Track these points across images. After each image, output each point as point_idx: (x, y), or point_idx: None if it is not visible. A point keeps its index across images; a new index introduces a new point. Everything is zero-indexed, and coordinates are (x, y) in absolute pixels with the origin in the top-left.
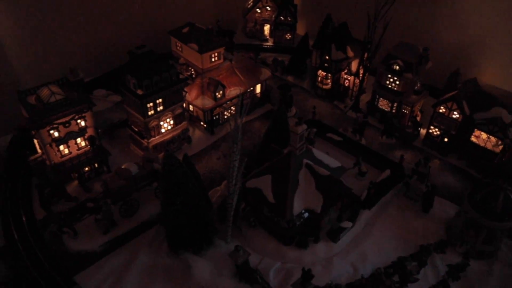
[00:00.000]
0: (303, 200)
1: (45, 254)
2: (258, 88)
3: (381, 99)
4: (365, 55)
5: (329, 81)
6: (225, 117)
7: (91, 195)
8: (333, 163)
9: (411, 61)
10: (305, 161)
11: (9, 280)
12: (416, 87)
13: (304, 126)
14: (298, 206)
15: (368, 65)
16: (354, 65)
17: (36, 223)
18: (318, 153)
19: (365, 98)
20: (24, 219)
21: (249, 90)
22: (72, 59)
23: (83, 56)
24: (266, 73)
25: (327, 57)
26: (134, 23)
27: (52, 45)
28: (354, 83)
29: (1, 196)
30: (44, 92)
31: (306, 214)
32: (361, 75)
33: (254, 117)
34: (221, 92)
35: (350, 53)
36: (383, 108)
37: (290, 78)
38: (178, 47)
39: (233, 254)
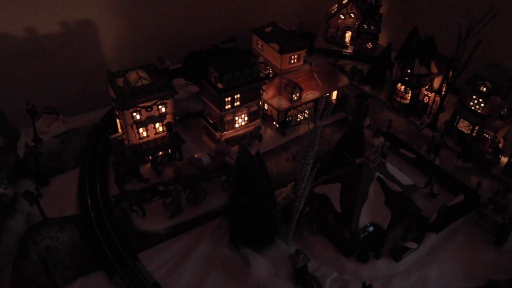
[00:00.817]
0: (370, 213)
1: (114, 228)
2: (334, 94)
3: (462, 120)
4: (450, 73)
5: (408, 95)
6: (298, 119)
7: (163, 179)
8: (405, 180)
9: (501, 84)
10: (377, 174)
11: (80, 247)
12: (502, 112)
13: (382, 139)
14: (364, 218)
15: (452, 83)
16: (436, 82)
17: (109, 198)
18: (391, 168)
19: (443, 117)
20: (98, 192)
21: (325, 95)
22: (160, 47)
23: (170, 45)
24: (344, 80)
25: (409, 71)
26: (219, 18)
27: (143, 32)
28: (434, 101)
29: (82, 168)
30: (132, 76)
31: (371, 228)
32: (443, 93)
33: (326, 123)
34: (297, 94)
35: (434, 69)
36: (463, 130)
37: (367, 88)
38: (259, 46)
39: (293, 257)
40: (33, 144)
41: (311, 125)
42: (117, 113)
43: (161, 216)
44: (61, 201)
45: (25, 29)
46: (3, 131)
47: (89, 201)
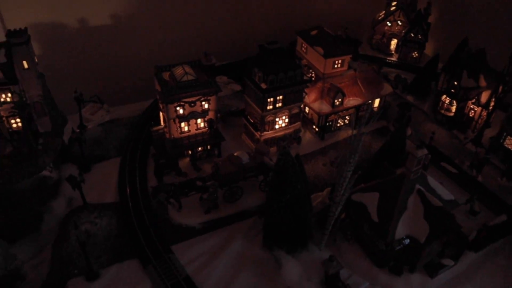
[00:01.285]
0: (408, 226)
1: (150, 219)
2: (376, 102)
3: (509, 137)
4: (500, 88)
5: (453, 108)
6: (338, 125)
7: (201, 174)
8: (446, 194)
9: None
10: (417, 186)
11: (117, 234)
12: None
13: (425, 151)
14: (401, 230)
15: (502, 98)
16: (484, 96)
17: (147, 189)
18: (432, 181)
19: (489, 133)
20: (137, 182)
21: (367, 103)
22: (206, 44)
23: (216, 43)
24: (387, 88)
25: (455, 83)
26: (266, 19)
27: (191, 28)
28: (480, 115)
29: (123, 157)
30: (178, 71)
31: (407, 241)
32: (490, 108)
33: (366, 131)
34: (340, 99)
35: (483, 83)
36: (509, 147)
37: (410, 98)
38: (303, 48)
39: (326, 263)
40: (78, 130)
41: (355, 132)
42: (161, 106)
43: (197, 211)
44: (101, 187)
45: (78, 20)
46: (52, 117)
47: (128, 190)
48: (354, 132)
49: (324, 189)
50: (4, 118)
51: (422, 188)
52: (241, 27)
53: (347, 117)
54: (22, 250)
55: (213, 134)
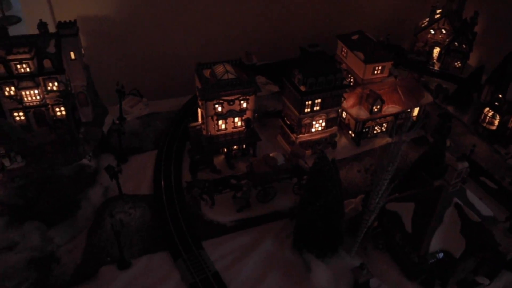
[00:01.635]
0: (443, 239)
1: (183, 213)
2: (415, 111)
3: None
4: None
5: (496, 121)
6: (375, 132)
7: (235, 172)
8: (485, 210)
9: None
10: (455, 199)
11: (150, 225)
12: None
13: (466, 164)
14: (435, 244)
15: None
16: None
17: (181, 183)
18: (471, 195)
19: None
20: (172, 176)
21: (406, 111)
22: (247, 43)
23: (257, 43)
24: (428, 97)
25: (500, 96)
26: (307, 21)
27: (233, 27)
28: None
29: (159, 151)
30: (219, 69)
31: (441, 255)
32: None
33: (407, 139)
34: (378, 106)
35: None
36: None
37: (450, 108)
38: (343, 53)
39: (357, 270)
40: (117, 122)
41: (394, 139)
42: (200, 103)
43: (229, 209)
44: (137, 179)
45: (124, 14)
46: (94, 107)
47: (162, 184)
48: (394, 139)
49: (357, 196)
50: (49, 106)
51: (460, 202)
52: (282, 28)
53: (384, 124)
54: (59, 234)
55: (249, 133)
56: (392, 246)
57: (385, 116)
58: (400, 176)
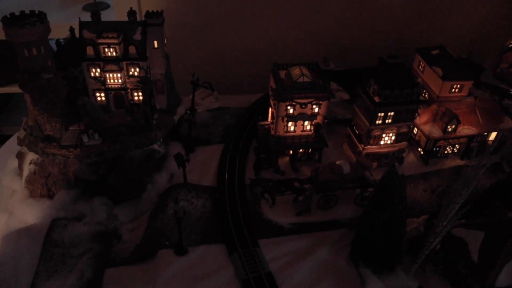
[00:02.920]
0: None
1: (243, 209)
2: (492, 135)
3: None
4: None
5: None
6: (446, 152)
7: (298, 176)
8: None
9: None
10: None
11: (209, 216)
12: None
13: None
14: (504, 279)
15: None
16: None
17: (244, 179)
18: None
19: None
20: (236, 172)
21: (482, 134)
22: (323, 48)
23: (332, 48)
24: (508, 122)
25: None
26: (387, 31)
27: (310, 30)
28: None
29: (226, 145)
30: (295, 71)
31: None
32: None
33: (488, 163)
34: (453, 126)
35: None
36: None
37: None
38: (420, 67)
39: None
40: (189, 112)
41: (473, 162)
42: (272, 102)
43: (288, 211)
44: (201, 170)
45: (207, 8)
46: (169, 96)
47: (226, 177)
48: (472, 162)
49: (420, 216)
50: (129, 90)
51: None
52: (361, 36)
53: (457, 145)
54: (123, 212)
55: (317, 138)
56: (454, 273)
57: (458, 137)
58: (470, 202)
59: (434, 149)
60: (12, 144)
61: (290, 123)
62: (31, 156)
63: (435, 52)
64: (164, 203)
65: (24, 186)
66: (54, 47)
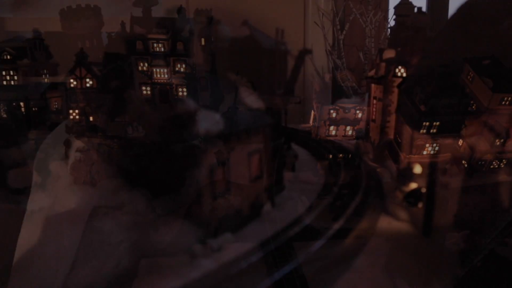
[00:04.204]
0: None
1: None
2: None
3: None
4: None
5: None
6: (491, 166)
7: (337, 180)
8: None
9: None
10: None
11: (247, 214)
12: None
13: None
14: None
15: None
16: None
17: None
18: None
19: None
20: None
21: None
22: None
23: None
24: None
25: None
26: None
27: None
28: None
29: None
30: (342, 75)
31: None
32: None
33: None
34: (502, 140)
35: None
36: None
37: None
38: (469, 77)
39: None
40: (229, 110)
41: None
42: (315, 105)
43: (325, 215)
44: (238, 168)
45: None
46: (212, 93)
47: None
48: None
49: (461, 231)
50: (174, 85)
51: None
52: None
53: (504, 160)
54: (161, 205)
55: (357, 144)
56: None
57: (506, 152)
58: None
59: (480, 163)
60: (60, 131)
61: (331, 127)
62: (77, 144)
63: (486, 62)
64: (201, 198)
65: (69, 172)
66: (105, 40)
